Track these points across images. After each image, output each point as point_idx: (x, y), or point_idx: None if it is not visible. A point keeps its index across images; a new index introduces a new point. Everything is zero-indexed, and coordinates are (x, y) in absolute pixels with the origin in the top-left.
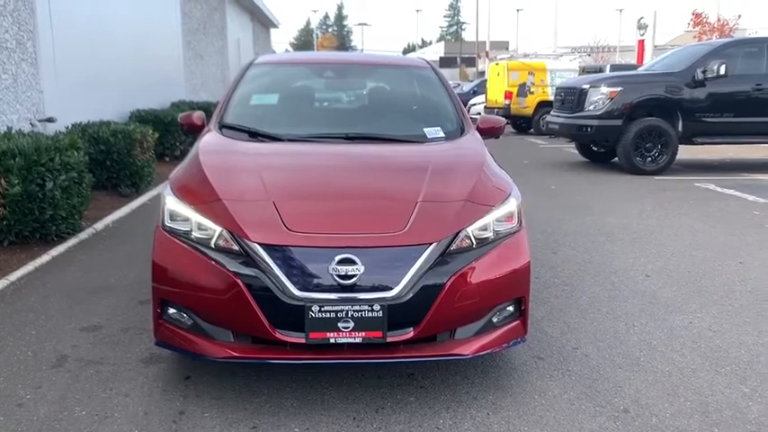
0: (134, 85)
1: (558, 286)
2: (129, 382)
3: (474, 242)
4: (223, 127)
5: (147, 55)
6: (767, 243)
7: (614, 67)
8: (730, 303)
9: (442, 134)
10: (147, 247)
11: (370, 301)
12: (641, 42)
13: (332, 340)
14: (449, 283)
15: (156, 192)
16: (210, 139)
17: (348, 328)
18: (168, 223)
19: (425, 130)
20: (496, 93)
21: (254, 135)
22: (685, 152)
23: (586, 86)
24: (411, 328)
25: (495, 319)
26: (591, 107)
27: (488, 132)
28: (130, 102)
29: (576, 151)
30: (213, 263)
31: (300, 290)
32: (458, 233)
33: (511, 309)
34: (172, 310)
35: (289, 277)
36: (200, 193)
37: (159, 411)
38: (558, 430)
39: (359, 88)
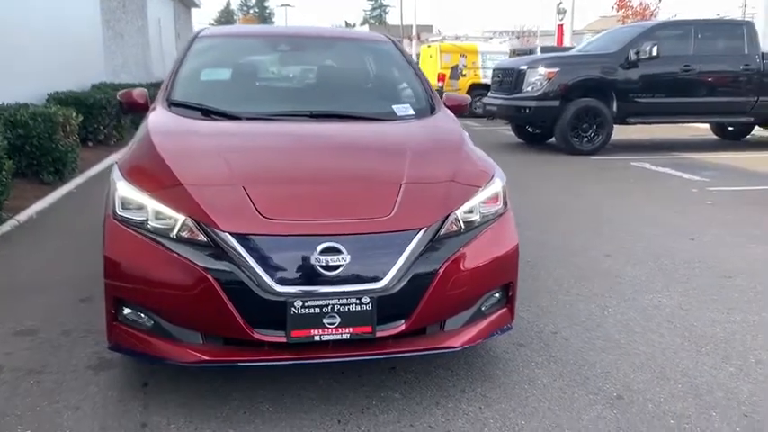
0: (51, 66)
1: (523, 268)
2: (78, 392)
3: (462, 226)
4: (172, 104)
5: (64, 34)
6: (712, 220)
7: (544, 50)
8: (694, 281)
9: (411, 111)
10: (80, 240)
11: (357, 294)
12: (560, 27)
13: (316, 338)
14: (441, 271)
15: (81, 179)
16: (160, 118)
17: (334, 324)
18: (120, 212)
19: (394, 107)
20: (429, 75)
21: (208, 113)
22: (616, 132)
23: (524, 68)
24: (402, 322)
25: (483, 308)
26: (529, 88)
27: (454, 111)
28: (47, 84)
29: (512, 133)
30: (176, 256)
31: (280, 283)
32: (446, 217)
33: (497, 295)
34: (128, 310)
35: (266, 270)
36: (156, 178)
37: (118, 425)
38: (557, 422)
39: (317, 63)
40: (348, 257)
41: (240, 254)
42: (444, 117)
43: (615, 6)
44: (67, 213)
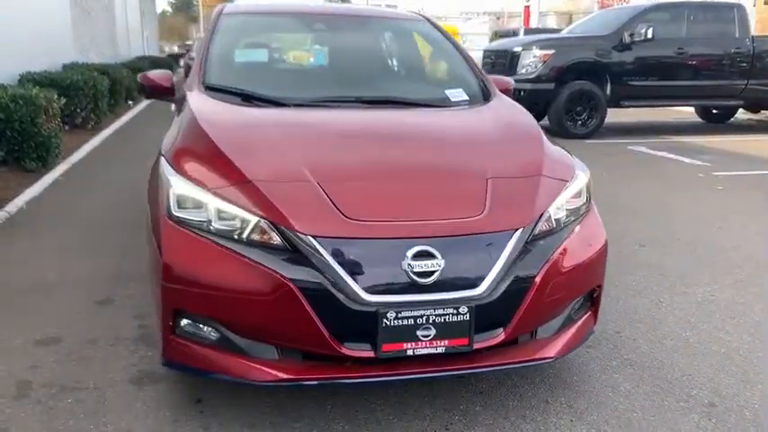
0: (20, 45)
1: None
2: (124, 412)
3: (554, 224)
4: (208, 89)
5: (32, 12)
6: (730, 207)
7: (528, 31)
8: (738, 272)
9: (465, 96)
10: (78, 234)
11: (455, 303)
12: (527, 8)
13: (409, 352)
14: (540, 275)
15: (66, 166)
16: (204, 104)
17: (429, 336)
18: (176, 212)
19: (447, 92)
20: None
21: (250, 99)
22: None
23: (518, 49)
24: (500, 332)
25: (572, 313)
26: (523, 70)
27: None
28: (17, 64)
29: None
30: (249, 261)
31: (369, 292)
32: (541, 215)
33: (583, 298)
34: (187, 322)
35: (353, 277)
36: (217, 174)
37: None
38: None
39: (355, 43)
40: (442, 262)
41: (325, 259)
42: (510, 104)
43: None
44: (59, 204)
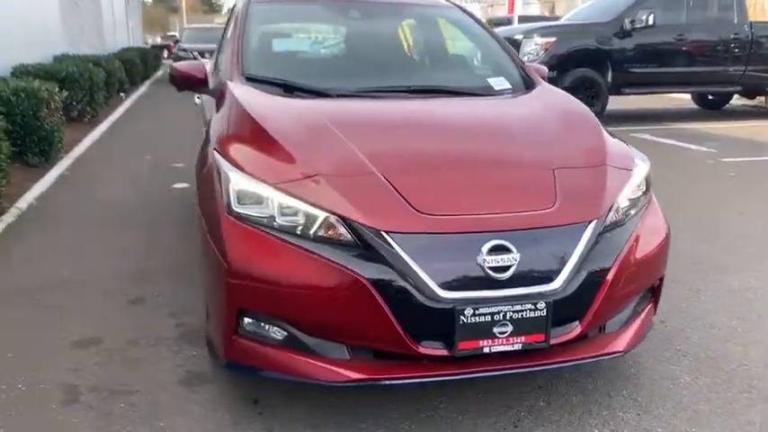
0: (11, 37)
1: None
2: (181, 415)
3: (621, 216)
4: (249, 79)
5: (20, 1)
6: (745, 193)
7: (522, 19)
8: None
9: (508, 85)
10: (94, 230)
11: (532, 298)
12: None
13: (486, 350)
14: (614, 268)
15: (69, 161)
16: (250, 95)
17: (506, 333)
18: (237, 208)
19: (489, 80)
20: None
21: (291, 89)
22: None
23: (520, 37)
24: (576, 326)
25: (636, 305)
26: (525, 58)
27: None
28: (8, 56)
29: None
30: (319, 258)
31: (446, 289)
32: (611, 206)
33: (645, 291)
34: (251, 322)
35: (429, 273)
36: (279, 168)
37: None
38: (730, 428)
39: (390, 32)
40: (518, 257)
41: (399, 255)
42: (556, 91)
43: None
44: (69, 199)
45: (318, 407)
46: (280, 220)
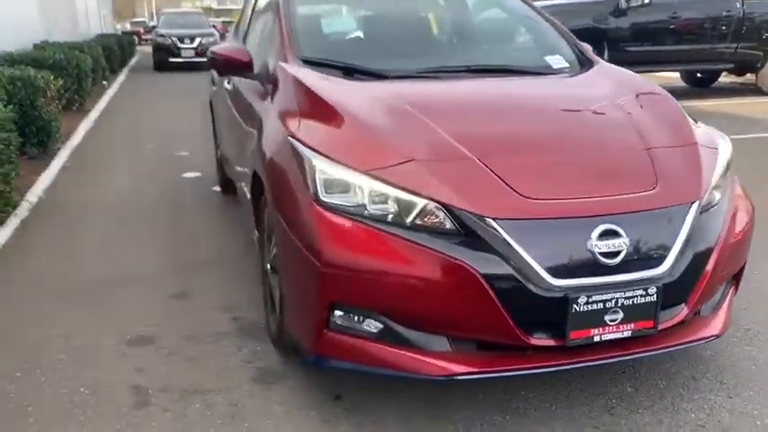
0: None
1: None
2: (264, 415)
3: (716, 196)
4: (305, 62)
5: None
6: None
7: None
8: None
9: (565, 63)
10: (111, 223)
11: (643, 283)
12: None
13: (596, 338)
14: (717, 248)
15: (67, 151)
16: (315, 79)
17: (616, 320)
18: (325, 197)
19: (546, 59)
20: None
21: (349, 72)
22: None
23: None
24: (680, 309)
25: (725, 288)
26: None
27: None
28: None
29: None
30: (422, 247)
31: (556, 276)
32: (709, 186)
33: None
34: (341, 314)
35: (539, 261)
36: (368, 153)
37: None
38: None
39: (441, 9)
40: (627, 241)
41: (508, 243)
42: (619, 70)
43: None
44: (79, 192)
45: (407, 400)
46: (371, 209)
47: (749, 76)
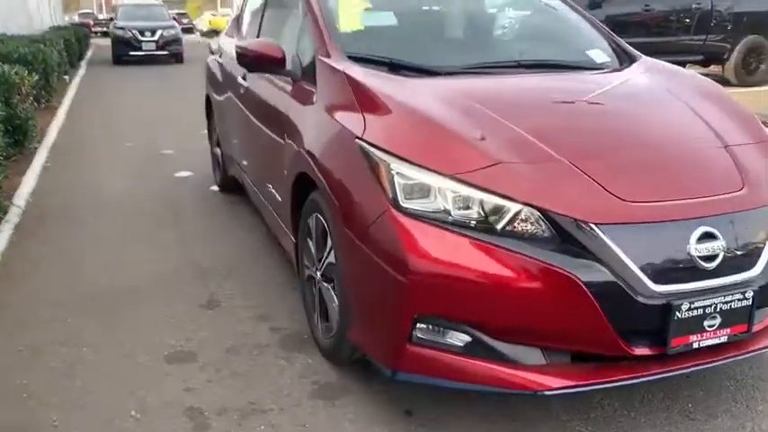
0: None
1: None
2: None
3: None
4: (351, 59)
5: None
6: None
7: None
8: None
9: (607, 57)
10: (111, 223)
11: (741, 287)
12: None
13: (695, 345)
14: None
15: (45, 151)
16: (371, 77)
17: (714, 326)
18: (406, 202)
19: (588, 53)
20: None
21: (397, 68)
22: None
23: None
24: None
25: None
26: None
27: None
28: None
29: None
30: (517, 254)
31: (657, 283)
32: None
33: None
34: (425, 327)
35: (640, 267)
36: (449, 155)
37: None
38: None
39: (470, 3)
40: (724, 243)
41: (609, 248)
42: (666, 64)
43: None
44: (67, 194)
45: (482, 414)
46: (456, 214)
47: (713, 68)
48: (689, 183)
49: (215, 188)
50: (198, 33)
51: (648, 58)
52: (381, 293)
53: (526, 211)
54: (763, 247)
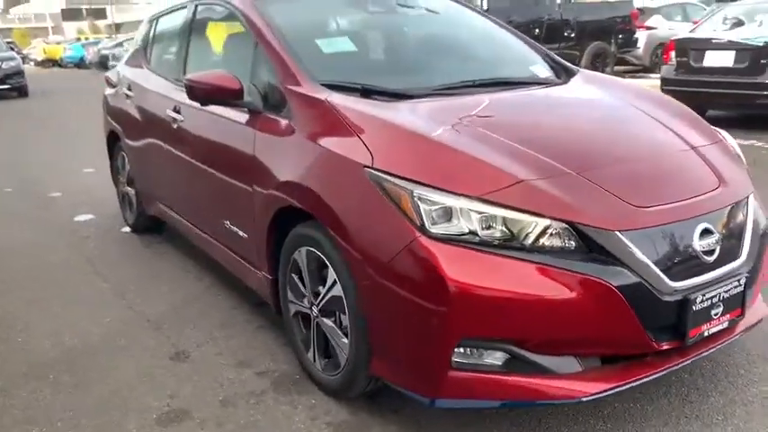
0: None
1: None
2: None
3: None
4: (325, 86)
5: None
6: None
7: None
8: None
9: (548, 73)
10: (31, 289)
11: (735, 275)
12: None
13: (706, 333)
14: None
15: None
16: (357, 102)
17: (718, 313)
18: (433, 228)
19: (531, 68)
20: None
21: (368, 93)
22: None
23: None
24: (754, 291)
25: None
26: None
27: None
28: None
29: None
30: (552, 268)
31: (674, 280)
32: None
33: None
34: (465, 351)
35: (660, 267)
36: (470, 177)
37: None
38: None
39: (415, 25)
40: (718, 237)
41: (633, 253)
42: (605, 76)
43: None
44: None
45: (503, 424)
46: (482, 234)
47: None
48: (680, 185)
49: (127, 229)
50: (32, 63)
51: (584, 70)
52: (415, 322)
53: (555, 225)
54: (742, 238)
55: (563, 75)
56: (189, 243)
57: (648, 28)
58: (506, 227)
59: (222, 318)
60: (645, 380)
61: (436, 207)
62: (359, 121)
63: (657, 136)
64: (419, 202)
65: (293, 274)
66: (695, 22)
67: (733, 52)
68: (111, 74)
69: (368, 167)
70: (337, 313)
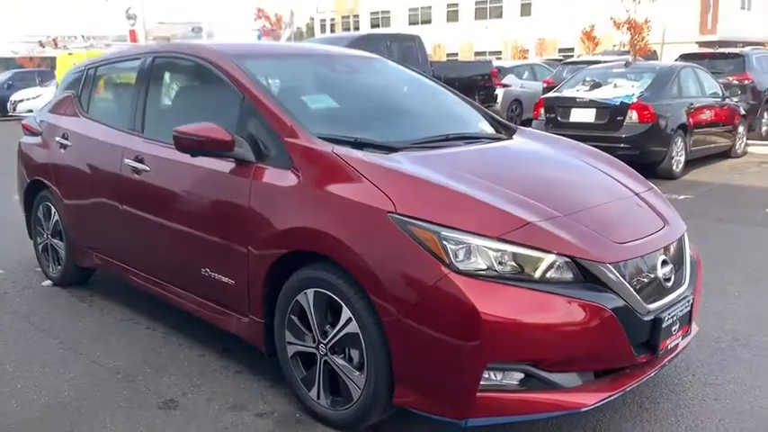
0: None
1: None
2: None
3: None
4: (321, 139)
5: None
6: None
7: None
8: None
9: (491, 129)
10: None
11: (685, 298)
12: (132, 32)
13: (669, 346)
14: (699, 261)
15: None
16: (363, 154)
17: (675, 329)
18: (461, 265)
19: (480, 125)
20: None
21: (360, 146)
22: None
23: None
24: (693, 313)
25: None
26: None
27: None
28: None
29: None
30: (563, 297)
31: (648, 302)
32: None
33: None
34: (490, 374)
35: (638, 293)
36: (485, 219)
37: None
38: None
39: (375, 85)
40: (671, 267)
41: (621, 283)
42: (539, 133)
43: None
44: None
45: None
46: (498, 269)
47: None
48: (639, 224)
49: (48, 283)
50: None
51: (521, 127)
52: (445, 351)
53: (559, 260)
54: (684, 267)
55: (502, 130)
56: (124, 294)
57: (504, 86)
58: (516, 262)
59: (194, 366)
60: (629, 388)
61: (460, 246)
62: (368, 170)
63: (608, 184)
64: (446, 243)
65: (293, 316)
66: (546, 82)
67: (594, 110)
68: (29, 121)
69: (392, 213)
70: (347, 350)
